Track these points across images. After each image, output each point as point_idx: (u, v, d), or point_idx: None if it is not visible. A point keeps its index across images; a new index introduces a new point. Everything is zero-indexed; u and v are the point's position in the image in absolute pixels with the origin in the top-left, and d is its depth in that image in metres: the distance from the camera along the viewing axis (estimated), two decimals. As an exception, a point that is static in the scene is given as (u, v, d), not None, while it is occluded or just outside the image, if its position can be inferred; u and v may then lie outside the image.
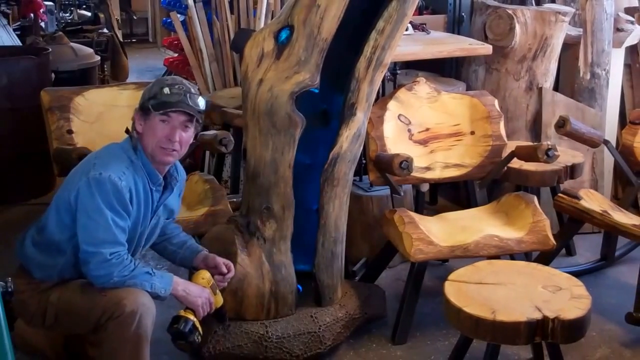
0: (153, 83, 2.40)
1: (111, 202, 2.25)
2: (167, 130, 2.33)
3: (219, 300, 2.51)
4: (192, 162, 4.30)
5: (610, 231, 3.34)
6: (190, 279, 2.50)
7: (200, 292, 2.41)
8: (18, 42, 5.55)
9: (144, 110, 2.35)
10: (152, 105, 2.31)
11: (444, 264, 3.67)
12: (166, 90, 2.32)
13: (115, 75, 6.93)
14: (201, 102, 2.38)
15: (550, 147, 3.09)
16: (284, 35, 2.66)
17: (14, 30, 5.84)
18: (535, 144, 3.24)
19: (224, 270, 2.57)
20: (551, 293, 2.38)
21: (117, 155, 2.36)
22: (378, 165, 3.14)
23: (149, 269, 2.34)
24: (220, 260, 2.58)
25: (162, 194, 2.47)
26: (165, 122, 2.33)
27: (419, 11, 4.71)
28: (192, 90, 2.36)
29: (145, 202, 2.40)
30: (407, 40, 3.81)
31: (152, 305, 2.32)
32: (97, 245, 2.24)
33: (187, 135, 2.37)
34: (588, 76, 4.10)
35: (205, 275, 2.48)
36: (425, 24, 4.23)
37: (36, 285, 2.41)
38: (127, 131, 2.43)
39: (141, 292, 2.30)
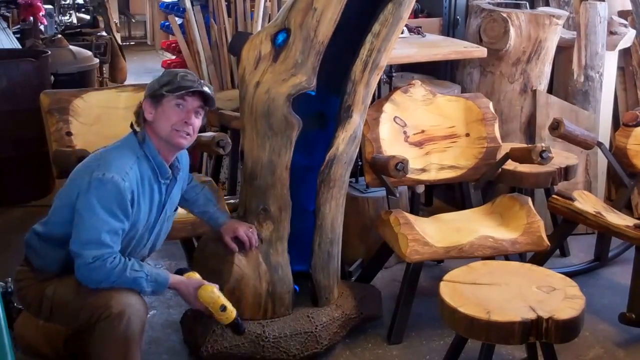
0: (163, 74, 2.43)
1: (109, 204, 2.24)
2: (183, 114, 2.36)
3: (229, 316, 2.42)
4: (190, 163, 4.32)
5: (604, 232, 3.36)
6: (198, 294, 2.40)
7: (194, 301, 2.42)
8: (18, 45, 5.56)
9: (156, 97, 2.35)
10: (167, 90, 2.33)
11: (439, 264, 3.69)
12: (179, 77, 2.36)
13: (113, 77, 6.95)
14: (210, 90, 2.42)
15: (544, 149, 3.10)
16: (280, 38, 2.67)
17: (14, 33, 5.85)
18: (530, 145, 3.25)
19: (244, 246, 2.70)
20: (545, 293, 2.39)
21: (122, 153, 2.35)
22: (374, 166, 3.16)
23: (142, 273, 2.30)
24: (242, 233, 2.69)
25: (168, 187, 2.47)
26: (180, 106, 2.35)
27: (415, 14, 4.74)
28: (201, 80, 2.42)
29: (151, 197, 2.40)
30: (403, 43, 3.83)
31: (141, 306, 2.29)
32: (82, 245, 2.23)
33: (198, 122, 2.41)
34: (582, 79, 4.13)
35: (207, 293, 2.38)
36: (420, 27, 4.25)
37: (35, 275, 2.42)
38: (131, 126, 2.43)
39: (130, 293, 2.28)
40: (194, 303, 2.41)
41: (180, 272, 2.46)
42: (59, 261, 2.39)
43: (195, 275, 2.45)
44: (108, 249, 2.25)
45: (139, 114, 2.41)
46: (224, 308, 2.39)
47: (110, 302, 2.24)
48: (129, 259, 2.32)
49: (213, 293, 2.39)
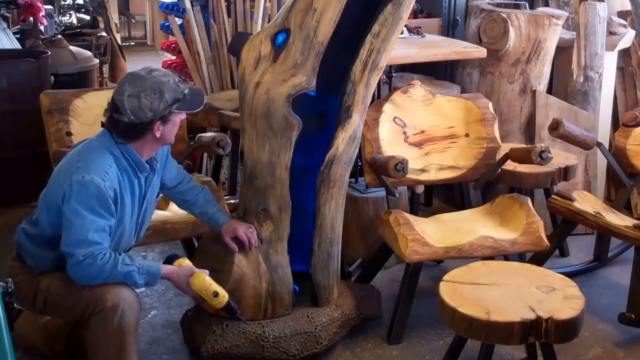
0: (159, 90, 2.33)
1: (92, 205, 2.27)
2: (183, 116, 2.48)
3: (222, 301, 2.48)
4: (190, 163, 4.33)
5: (603, 232, 3.36)
6: (190, 283, 2.44)
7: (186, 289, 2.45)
8: (18, 46, 5.55)
9: (165, 117, 2.37)
10: (178, 107, 2.39)
11: (439, 264, 3.70)
12: (185, 90, 2.40)
13: (113, 77, 6.94)
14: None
15: (543, 149, 3.11)
16: (280, 38, 2.68)
17: (14, 33, 5.85)
18: (529, 146, 3.25)
19: (244, 246, 2.70)
20: (545, 293, 2.40)
21: (99, 153, 2.36)
22: (374, 167, 3.16)
23: (133, 266, 2.33)
24: (242, 233, 2.69)
25: (147, 178, 2.50)
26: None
27: (414, 15, 4.74)
28: (193, 84, 2.49)
29: (132, 192, 2.43)
30: (403, 43, 3.83)
31: (134, 299, 2.33)
32: (72, 245, 2.26)
33: None
34: (581, 79, 4.13)
35: (199, 282, 2.43)
36: (420, 27, 4.25)
37: (29, 269, 2.45)
38: (102, 125, 2.43)
39: (123, 287, 2.32)
40: (187, 291, 2.45)
41: (170, 259, 2.50)
42: (51, 261, 2.42)
43: (186, 262, 2.49)
44: (97, 245, 2.28)
45: (111, 117, 2.38)
46: (216, 294, 2.45)
47: (105, 295, 2.27)
48: (119, 254, 2.34)
49: (205, 281, 2.44)
